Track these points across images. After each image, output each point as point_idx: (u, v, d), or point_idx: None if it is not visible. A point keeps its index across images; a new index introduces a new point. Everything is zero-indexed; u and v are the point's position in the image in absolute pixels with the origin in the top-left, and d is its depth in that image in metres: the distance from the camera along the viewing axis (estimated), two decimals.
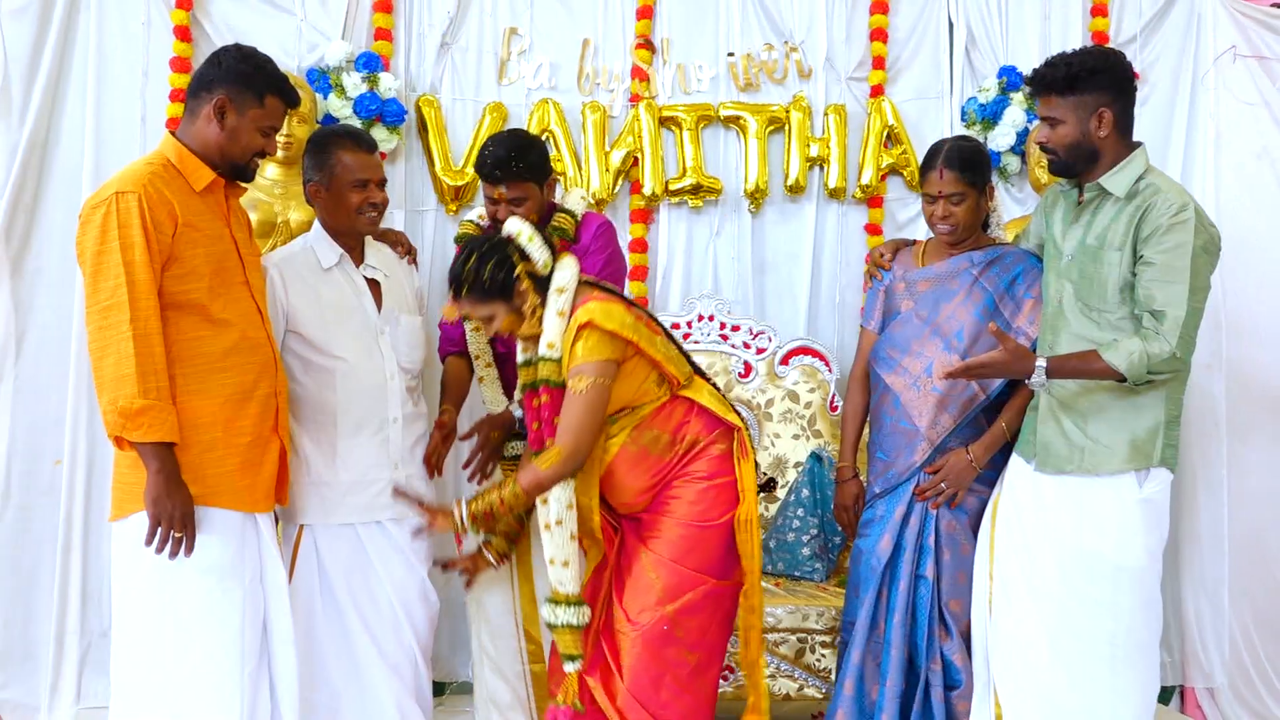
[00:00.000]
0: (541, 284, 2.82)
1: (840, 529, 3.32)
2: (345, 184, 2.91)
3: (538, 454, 2.82)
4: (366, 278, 3.01)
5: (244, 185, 2.78)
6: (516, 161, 3.12)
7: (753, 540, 2.88)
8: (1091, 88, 2.79)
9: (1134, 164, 2.83)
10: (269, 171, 3.69)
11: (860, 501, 3.19)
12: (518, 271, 2.77)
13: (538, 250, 2.79)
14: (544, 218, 3.20)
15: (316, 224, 3.02)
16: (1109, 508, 2.83)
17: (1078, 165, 2.86)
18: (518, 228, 2.82)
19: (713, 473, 2.88)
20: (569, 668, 2.85)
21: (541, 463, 2.72)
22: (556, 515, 2.80)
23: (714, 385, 3.07)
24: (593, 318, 2.76)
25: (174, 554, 2.51)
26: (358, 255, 3.01)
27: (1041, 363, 2.75)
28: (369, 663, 2.93)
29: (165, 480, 2.46)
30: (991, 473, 3.03)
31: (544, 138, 4.06)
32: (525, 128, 4.08)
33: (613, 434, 2.87)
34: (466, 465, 3.24)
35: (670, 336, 3.00)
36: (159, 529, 2.48)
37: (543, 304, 2.82)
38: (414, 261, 3.32)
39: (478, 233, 3.29)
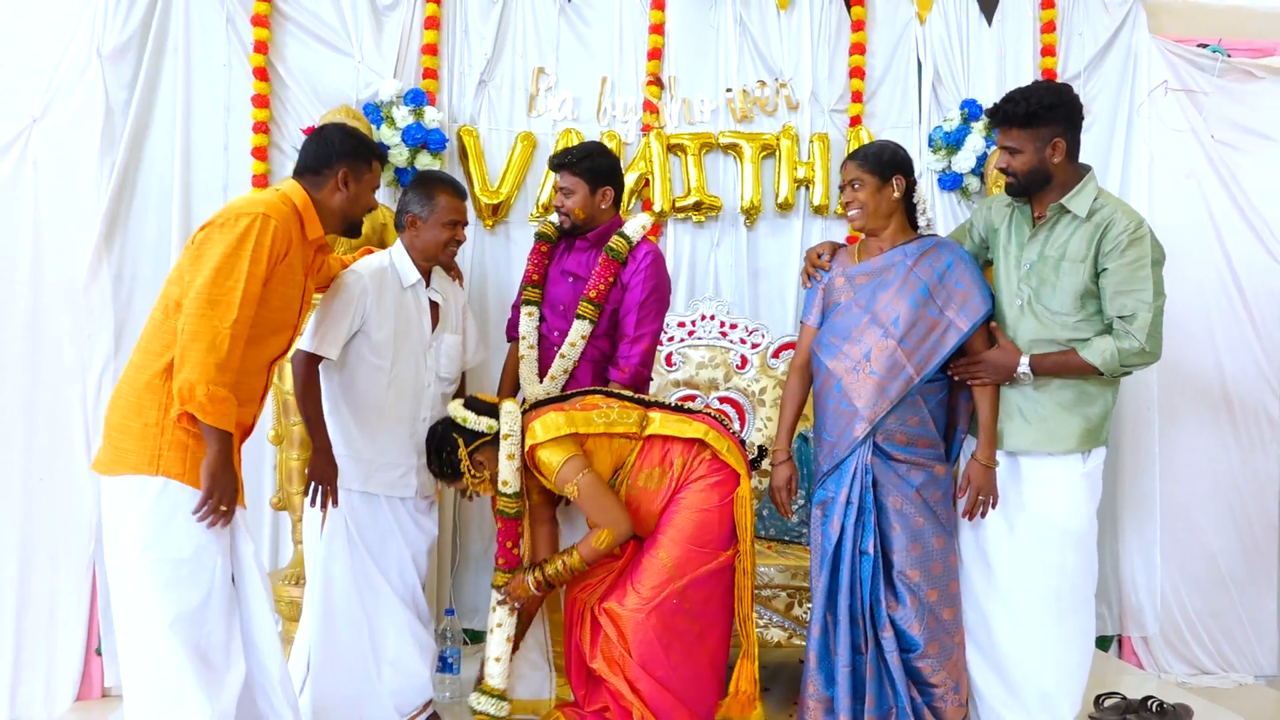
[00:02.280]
0: (494, 440, 3.04)
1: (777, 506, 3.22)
2: (442, 221, 3.13)
3: (506, 569, 3.11)
4: (430, 300, 3.20)
5: (331, 245, 2.95)
6: (574, 156, 3.36)
7: (747, 515, 3.05)
8: (1047, 121, 2.91)
9: (1089, 187, 2.96)
10: None
11: (793, 483, 3.16)
12: (460, 453, 3.02)
13: (474, 423, 3.03)
14: (602, 235, 3.38)
15: (399, 245, 3.16)
16: (1059, 481, 3.00)
17: (1033, 188, 2.98)
18: (455, 411, 3.06)
19: (709, 473, 3.06)
20: None
21: (597, 541, 2.96)
22: (498, 620, 3.12)
23: (667, 406, 3.22)
24: (532, 440, 3.00)
25: (213, 524, 2.56)
26: (427, 279, 3.20)
27: (1026, 359, 2.95)
28: (385, 595, 3.11)
29: (224, 460, 2.55)
30: (932, 451, 3.05)
31: None
32: (552, 154, 4.14)
33: (617, 489, 3.08)
34: None
35: (611, 394, 3.16)
36: (210, 500, 2.54)
37: (492, 457, 3.04)
38: (462, 283, 3.49)
39: (555, 233, 3.51)
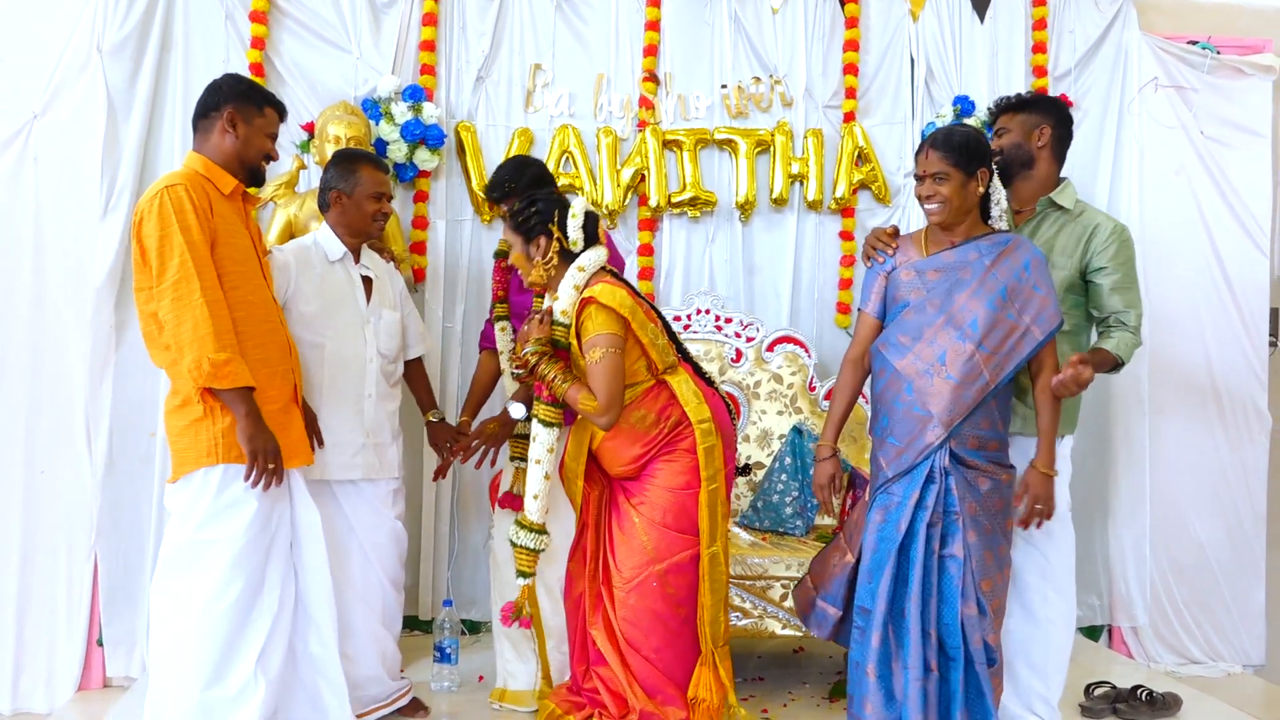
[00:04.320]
0: (568, 256, 3.00)
1: (819, 504, 3.10)
2: (366, 194, 3.13)
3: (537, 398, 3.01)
4: (361, 275, 3.18)
5: (257, 196, 2.95)
6: (510, 183, 3.31)
7: (705, 518, 2.98)
8: (1037, 109, 3.11)
9: (1071, 187, 3.14)
10: None
11: (837, 481, 3.02)
12: (550, 226, 2.96)
13: (574, 229, 2.97)
14: None
15: (325, 224, 3.17)
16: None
17: (1014, 168, 3.08)
18: (578, 206, 3.01)
19: (692, 449, 3.01)
20: (520, 582, 3.04)
21: (584, 400, 2.88)
22: (537, 456, 2.99)
23: (708, 379, 3.17)
24: (595, 295, 2.92)
25: (268, 486, 2.64)
26: (356, 256, 3.19)
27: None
28: (341, 592, 3.02)
29: (254, 420, 2.60)
30: (1000, 454, 2.91)
31: (563, 158, 4.26)
32: (549, 150, 4.25)
33: None
34: (466, 459, 3.47)
35: (669, 329, 3.13)
36: (256, 463, 2.60)
37: (561, 271, 2.98)
38: (398, 264, 3.49)
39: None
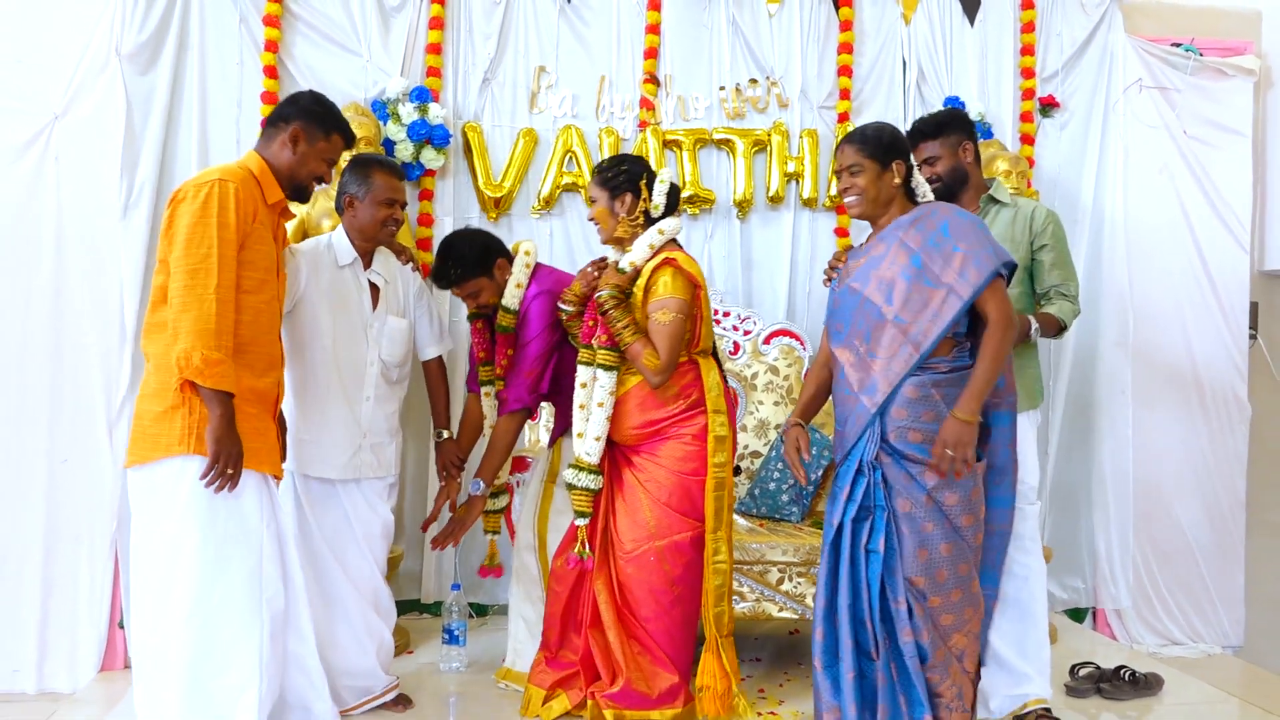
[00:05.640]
0: (648, 220, 3.11)
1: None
2: (379, 200, 3.08)
3: (586, 347, 3.10)
4: (370, 281, 3.15)
5: (293, 213, 2.93)
6: (452, 276, 3.32)
7: (711, 503, 3.05)
8: (953, 128, 3.19)
9: (1000, 182, 3.34)
10: None
11: (803, 443, 2.83)
12: (640, 185, 3.07)
13: (659, 194, 3.09)
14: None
15: (340, 228, 3.15)
16: (1021, 437, 2.98)
17: (956, 187, 3.17)
18: (665, 174, 3.13)
19: (700, 434, 3.07)
20: (579, 522, 3.09)
21: (647, 356, 2.96)
22: (599, 399, 3.06)
23: (722, 371, 3.19)
24: (677, 259, 3.03)
25: (220, 489, 2.55)
26: (367, 261, 3.15)
27: (1035, 323, 3.10)
28: (337, 580, 3.07)
29: (227, 424, 2.54)
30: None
31: (566, 157, 4.31)
32: (552, 150, 4.30)
33: (633, 372, 3.08)
34: (443, 548, 3.46)
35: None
36: (217, 464, 2.52)
37: (642, 229, 3.08)
38: (416, 266, 3.40)
39: (478, 309, 3.44)
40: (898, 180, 2.78)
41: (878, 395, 2.67)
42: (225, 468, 2.55)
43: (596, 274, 3.17)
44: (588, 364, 3.13)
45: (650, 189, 3.10)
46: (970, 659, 2.73)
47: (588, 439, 3.08)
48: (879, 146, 2.77)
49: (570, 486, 3.10)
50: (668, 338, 2.98)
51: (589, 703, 3.07)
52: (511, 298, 3.33)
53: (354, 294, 3.11)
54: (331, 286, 3.07)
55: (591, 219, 3.19)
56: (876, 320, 2.70)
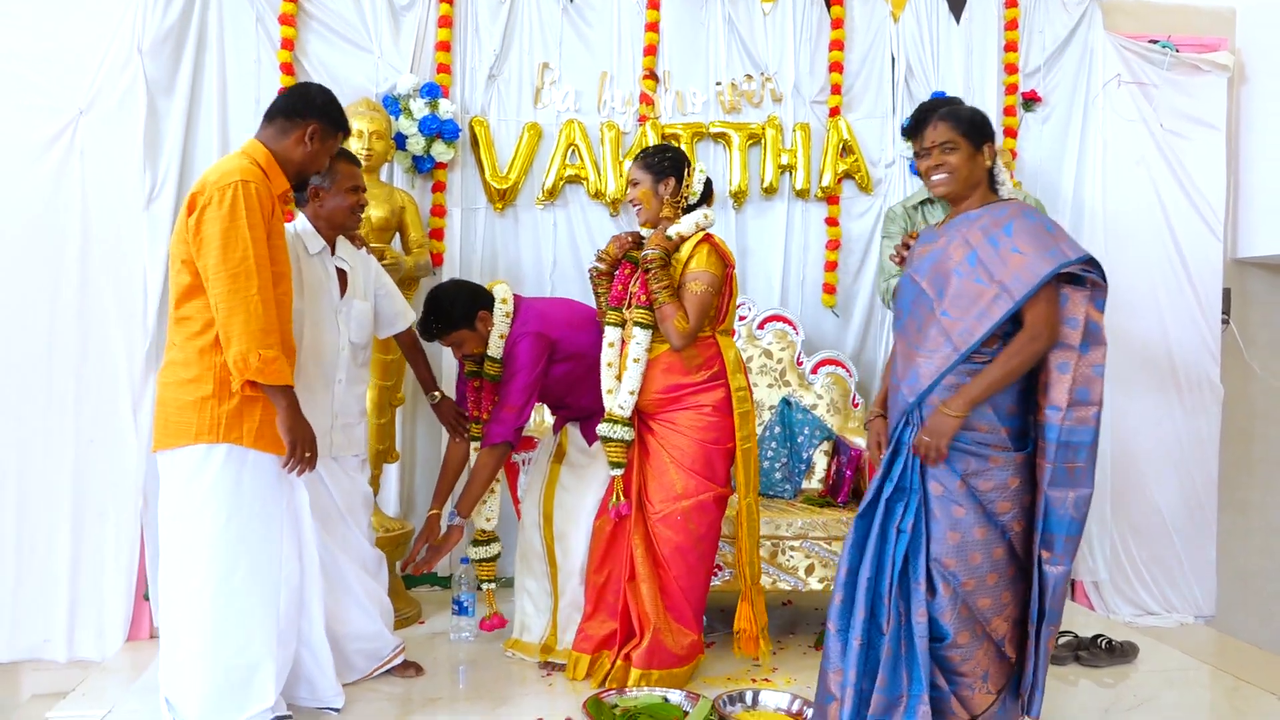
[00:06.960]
0: (687, 207, 3.24)
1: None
2: (344, 188, 3.09)
3: (614, 309, 3.23)
4: (337, 268, 3.16)
5: (289, 196, 2.91)
6: (436, 322, 3.36)
7: (739, 471, 3.21)
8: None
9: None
10: None
11: (884, 437, 2.73)
12: (684, 170, 3.21)
13: (698, 182, 3.25)
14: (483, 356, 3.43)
15: (302, 217, 3.13)
16: None
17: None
18: (701, 169, 3.29)
19: (721, 404, 3.18)
20: (614, 473, 3.21)
21: (678, 320, 3.08)
22: (635, 355, 3.18)
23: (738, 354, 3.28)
24: (713, 237, 3.19)
25: (302, 472, 2.69)
26: (332, 248, 3.16)
27: None
28: (333, 554, 3.09)
29: (295, 413, 2.64)
30: (991, 437, 2.53)
31: (569, 150, 4.38)
32: (555, 143, 4.37)
33: (660, 340, 3.18)
34: (420, 571, 3.48)
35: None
36: (295, 452, 2.63)
37: (678, 215, 3.21)
38: (370, 250, 3.40)
39: (470, 364, 3.50)
40: (988, 163, 2.66)
41: (918, 386, 2.58)
42: (303, 453, 2.66)
43: (630, 239, 3.31)
44: (615, 324, 3.26)
45: (689, 179, 3.23)
46: (1011, 644, 2.60)
47: (621, 393, 3.20)
48: (973, 126, 2.63)
49: (605, 439, 3.21)
50: (697, 305, 3.11)
51: (616, 663, 3.19)
52: (496, 348, 3.40)
53: (324, 281, 3.12)
54: (304, 275, 3.07)
55: (634, 201, 3.27)
56: (927, 312, 2.60)
